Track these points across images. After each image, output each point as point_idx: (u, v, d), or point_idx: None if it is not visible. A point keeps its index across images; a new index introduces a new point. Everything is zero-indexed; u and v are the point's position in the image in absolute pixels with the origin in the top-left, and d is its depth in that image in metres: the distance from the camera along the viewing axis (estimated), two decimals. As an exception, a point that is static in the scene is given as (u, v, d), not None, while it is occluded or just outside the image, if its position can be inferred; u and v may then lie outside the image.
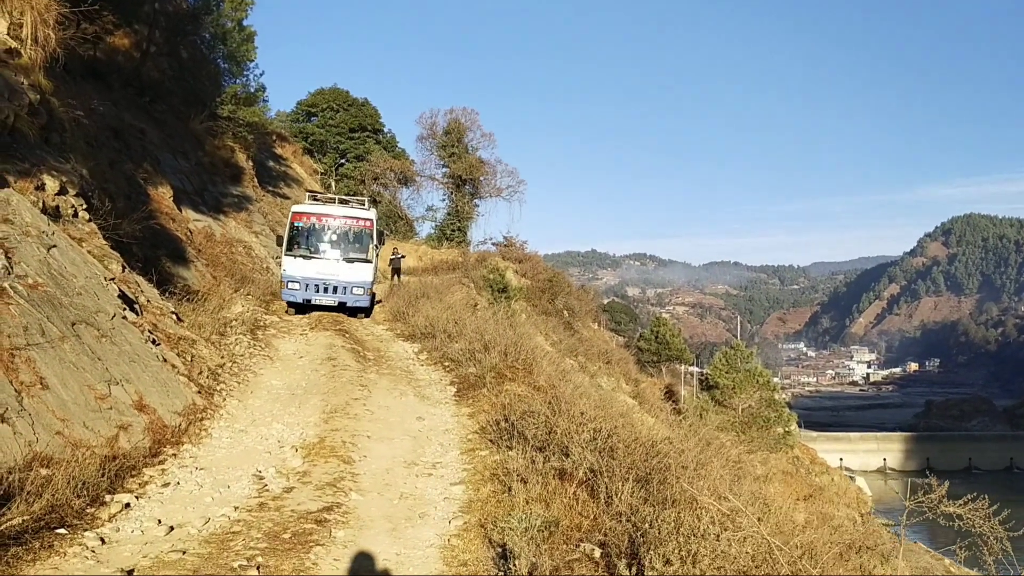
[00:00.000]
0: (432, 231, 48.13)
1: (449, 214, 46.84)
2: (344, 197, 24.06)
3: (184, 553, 5.84)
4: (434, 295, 22.90)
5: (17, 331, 8.31)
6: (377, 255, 20.42)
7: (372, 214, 20.76)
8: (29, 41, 12.15)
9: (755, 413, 37.34)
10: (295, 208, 20.27)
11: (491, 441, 9.30)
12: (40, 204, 10.84)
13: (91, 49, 23.20)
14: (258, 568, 5.57)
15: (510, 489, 7.49)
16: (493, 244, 44.99)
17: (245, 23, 32.96)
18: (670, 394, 42.10)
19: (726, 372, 39.30)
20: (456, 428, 10.32)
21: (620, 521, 6.68)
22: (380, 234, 22.33)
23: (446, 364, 14.11)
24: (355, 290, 19.14)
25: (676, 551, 5.56)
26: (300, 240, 19.37)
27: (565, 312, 40.84)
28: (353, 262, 19.20)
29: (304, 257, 18.97)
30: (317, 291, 18.78)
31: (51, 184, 11.52)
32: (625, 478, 7.23)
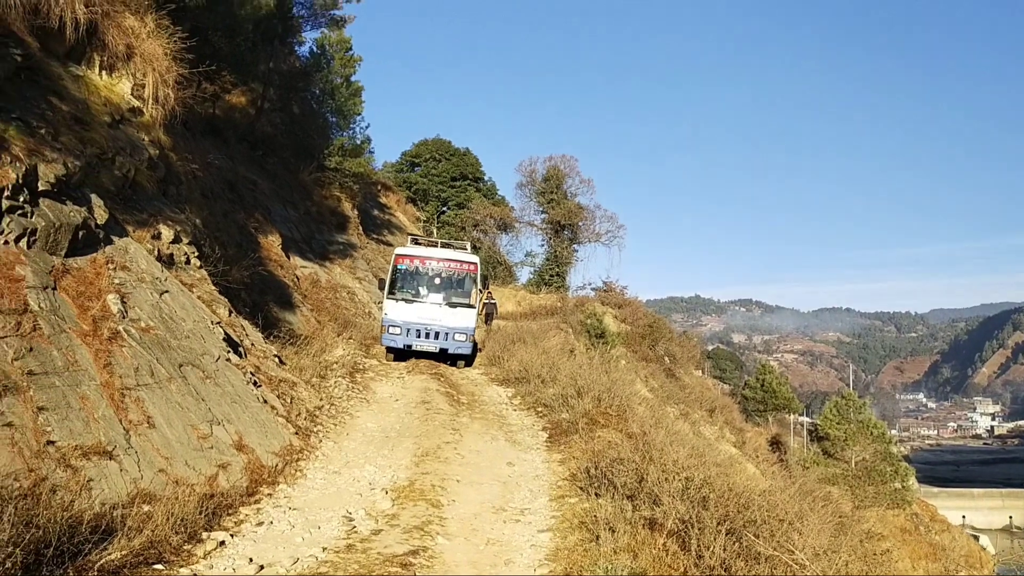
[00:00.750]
0: (531, 276, 48.43)
1: (548, 259, 47.06)
2: (447, 241, 23.93)
3: (270, 592, 5.96)
4: (530, 340, 22.95)
5: (128, 372, 8.77)
6: (480, 300, 19.97)
7: (476, 258, 20.33)
8: (150, 100, 13.00)
9: (869, 467, 35.56)
10: (398, 251, 19.90)
11: (581, 488, 9.17)
12: (155, 252, 11.47)
13: (210, 107, 24.64)
14: (340, 609, 5.63)
15: (598, 538, 7.35)
16: (592, 289, 44.87)
17: (353, 79, 34.37)
18: (777, 445, 40.61)
19: (837, 423, 37.70)
20: (546, 474, 10.24)
21: (711, 575, 6.45)
22: (484, 279, 21.79)
23: (539, 409, 14.06)
24: (457, 336, 18.60)
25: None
26: (402, 283, 19.04)
27: (666, 358, 40.20)
28: (456, 307, 18.68)
29: (406, 301, 18.65)
30: (418, 336, 18.36)
31: (166, 233, 12.20)
32: (717, 530, 6.99)
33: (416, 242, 21.32)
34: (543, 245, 48.50)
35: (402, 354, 18.76)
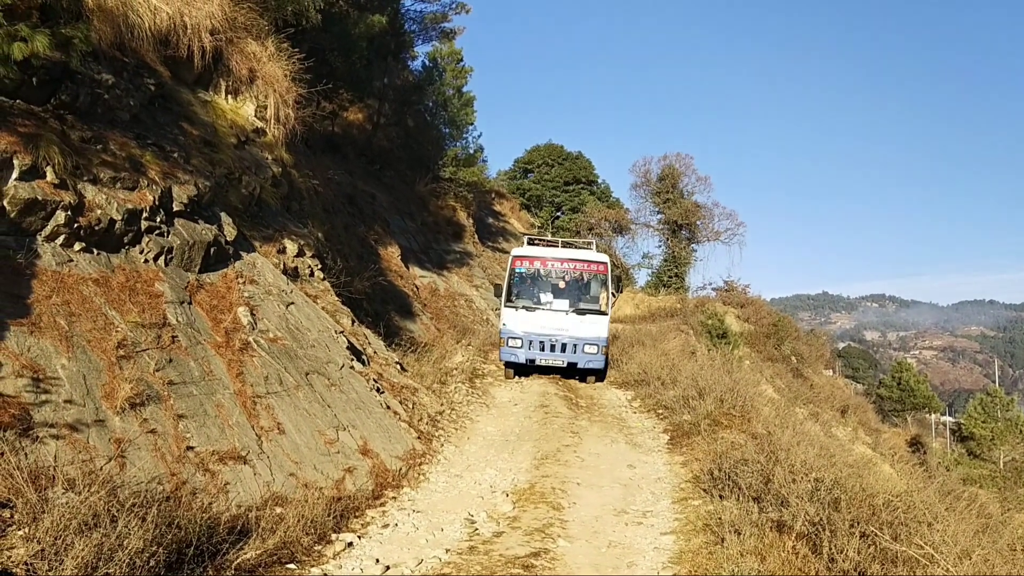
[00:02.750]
0: (649, 278, 47.78)
1: (665, 260, 46.28)
2: (568, 240, 21.59)
3: (396, 592, 6.08)
4: (649, 342, 22.64)
5: (259, 380, 9.17)
6: (612, 306, 17.57)
7: (605, 257, 18.01)
8: (272, 121, 13.60)
9: (1019, 467, 33.26)
10: (516, 252, 17.71)
11: (704, 491, 8.95)
12: (281, 265, 11.96)
13: (329, 125, 25.62)
14: (463, 610, 5.68)
15: (723, 540, 7.15)
16: (713, 289, 43.83)
17: (464, 89, 34.99)
18: (916, 445, 38.54)
19: (983, 422, 35.48)
20: (668, 476, 10.05)
21: (845, 580, 6.16)
22: (617, 280, 19.98)
23: (659, 411, 13.84)
24: (587, 348, 16.44)
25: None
26: (522, 289, 17.09)
27: (793, 358, 38.82)
28: (585, 314, 16.59)
29: (527, 309, 16.65)
30: (542, 349, 16.34)
31: (291, 247, 12.71)
32: (851, 533, 6.67)
33: (532, 243, 19.05)
34: (660, 246, 47.71)
35: (524, 370, 17.16)
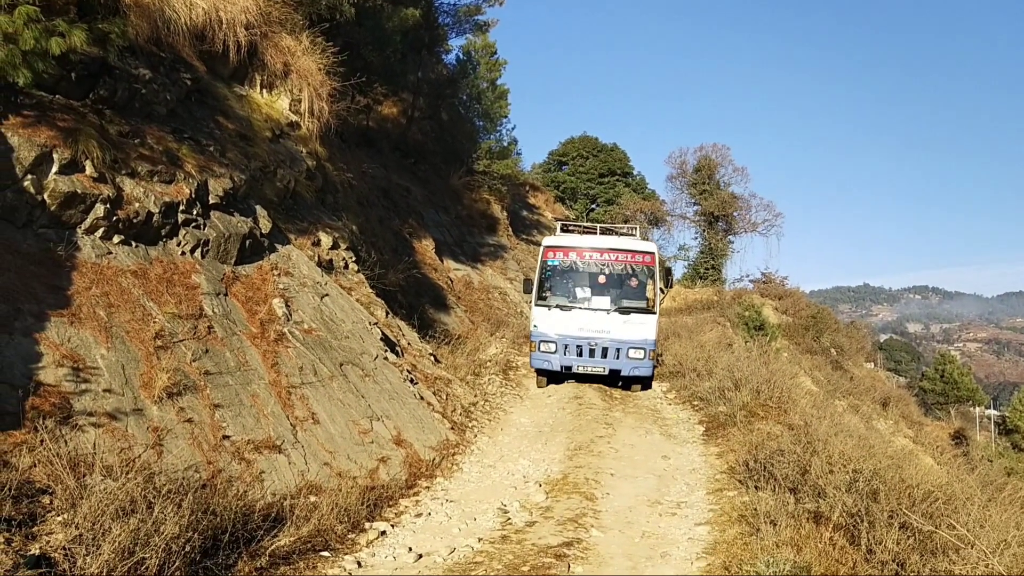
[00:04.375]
0: (685, 270, 47.41)
1: (702, 252, 45.88)
2: (608, 226, 18.95)
3: (428, 579, 6.10)
4: (684, 335, 22.48)
5: (294, 371, 9.26)
6: (661, 303, 15.03)
7: (653, 246, 15.72)
8: (306, 114, 13.71)
9: (1067, 461, 32.43)
10: (547, 241, 15.60)
11: (740, 482, 8.86)
12: (316, 258, 12.06)
13: (364, 120, 25.72)
14: (495, 598, 5.68)
15: (758, 531, 7.06)
16: (750, 281, 43.41)
17: (498, 82, 34.91)
18: (959, 439, 37.81)
19: (1028, 415, 34.62)
20: (703, 467, 9.96)
21: (884, 569, 6.06)
22: (668, 273, 16.47)
23: (694, 403, 13.73)
24: (632, 352, 14.30)
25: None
26: (555, 284, 14.96)
27: (832, 350, 38.30)
28: (629, 313, 14.41)
29: (561, 308, 14.58)
30: (579, 354, 14.33)
31: (325, 240, 12.80)
32: (889, 523, 6.55)
33: (567, 229, 16.70)
34: (696, 238, 47.29)
35: (558, 377, 15.25)
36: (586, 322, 14.45)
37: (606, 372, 14.40)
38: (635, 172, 53.28)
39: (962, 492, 7.10)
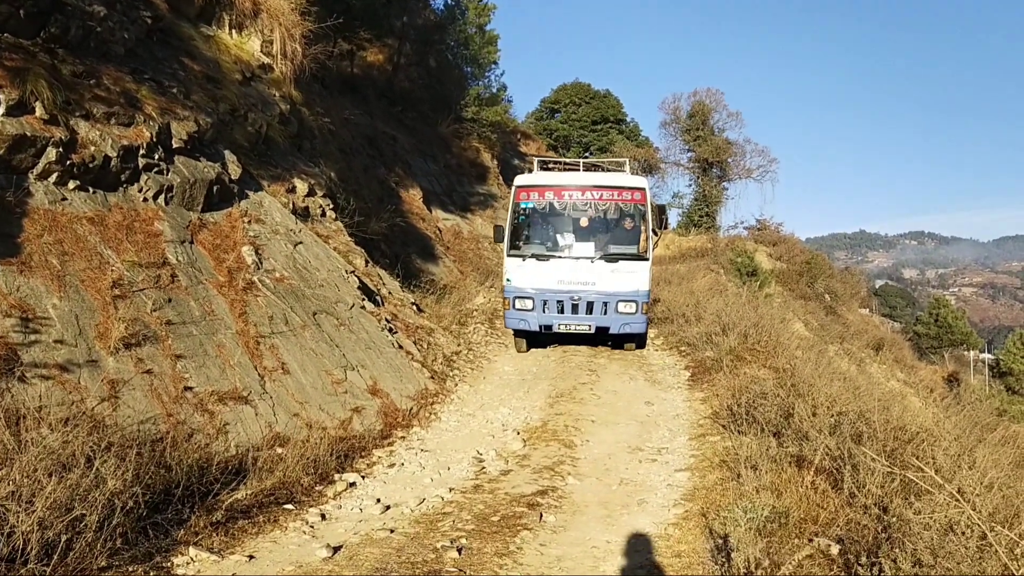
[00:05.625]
0: (679, 218, 46.97)
1: (696, 200, 45.38)
2: (594, 162, 16.67)
3: (392, 532, 5.86)
4: (676, 281, 22.19)
5: (263, 320, 8.94)
6: (654, 247, 12.97)
7: (643, 181, 13.38)
8: (279, 56, 13.20)
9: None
10: (519, 180, 13.28)
11: (723, 427, 8.62)
12: (290, 205, 11.67)
13: (348, 66, 25.10)
14: (459, 550, 5.44)
15: (739, 477, 6.83)
16: (745, 228, 42.96)
17: (488, 27, 34.11)
18: (952, 382, 37.81)
19: (1021, 356, 34.57)
20: (687, 413, 9.73)
21: (866, 514, 5.82)
22: (661, 212, 13.73)
23: (682, 349, 13.47)
24: (622, 306, 12.33)
25: (930, 550, 4.68)
26: (530, 231, 12.93)
27: (827, 296, 38.10)
28: (616, 260, 12.34)
29: (538, 258, 12.54)
30: (560, 311, 12.38)
31: (301, 187, 12.40)
32: (871, 468, 6.31)
33: (546, 167, 14.62)
34: (691, 185, 46.75)
35: (539, 339, 13.58)
36: (567, 273, 12.44)
37: (592, 330, 12.49)
38: (628, 119, 52.55)
39: (946, 432, 6.85)
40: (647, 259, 12.52)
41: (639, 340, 13.57)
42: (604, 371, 11.93)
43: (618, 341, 13.35)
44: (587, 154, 49.86)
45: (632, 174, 14.23)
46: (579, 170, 14.30)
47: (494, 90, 34.27)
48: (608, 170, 14.68)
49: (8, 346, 6.41)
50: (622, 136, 49.85)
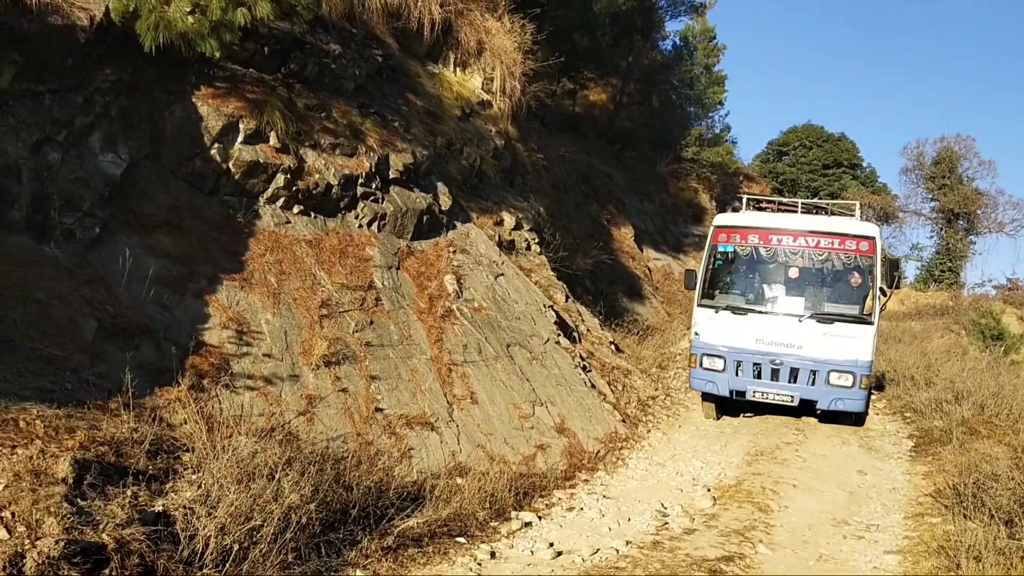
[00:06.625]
0: (917, 271, 43.29)
1: (938, 252, 41.69)
2: (815, 202, 14.66)
3: (559, 581, 5.62)
4: (907, 340, 20.34)
5: (457, 348, 9.07)
6: (882, 309, 10.87)
7: (874, 229, 11.22)
8: (498, 93, 13.55)
9: None
10: (719, 220, 11.79)
11: (945, 507, 7.60)
12: (496, 237, 11.86)
13: (570, 104, 25.52)
14: (626, 611, 5.09)
15: (958, 567, 5.96)
16: (993, 287, 38.75)
17: (716, 68, 33.44)
18: None
19: None
20: (905, 488, 8.70)
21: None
22: (894, 266, 11.44)
23: (906, 415, 12.19)
24: (834, 377, 10.29)
25: None
26: (727, 279, 11.44)
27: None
28: (832, 322, 10.41)
29: (734, 311, 10.85)
30: (757, 376, 10.59)
31: (508, 220, 12.58)
32: None
33: (758, 206, 12.84)
34: (932, 237, 43.07)
35: (731, 407, 11.64)
36: (768, 332, 10.64)
37: (795, 402, 10.52)
38: (864, 164, 49.34)
39: None
40: (871, 323, 10.34)
41: (857, 418, 11.42)
42: (813, 431, 11.02)
43: (826, 417, 11.46)
44: (815, 199, 47.41)
45: (859, 219, 12.26)
46: (797, 210, 12.45)
47: (717, 130, 33.45)
48: (833, 214, 12.63)
49: (222, 356, 6.89)
50: (856, 181, 46.87)
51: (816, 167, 47.36)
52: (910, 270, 43.53)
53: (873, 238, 10.77)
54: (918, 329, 26.16)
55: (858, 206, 12.99)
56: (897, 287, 12.16)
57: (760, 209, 12.60)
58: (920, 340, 21.73)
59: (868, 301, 10.48)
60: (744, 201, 12.75)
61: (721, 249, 11.28)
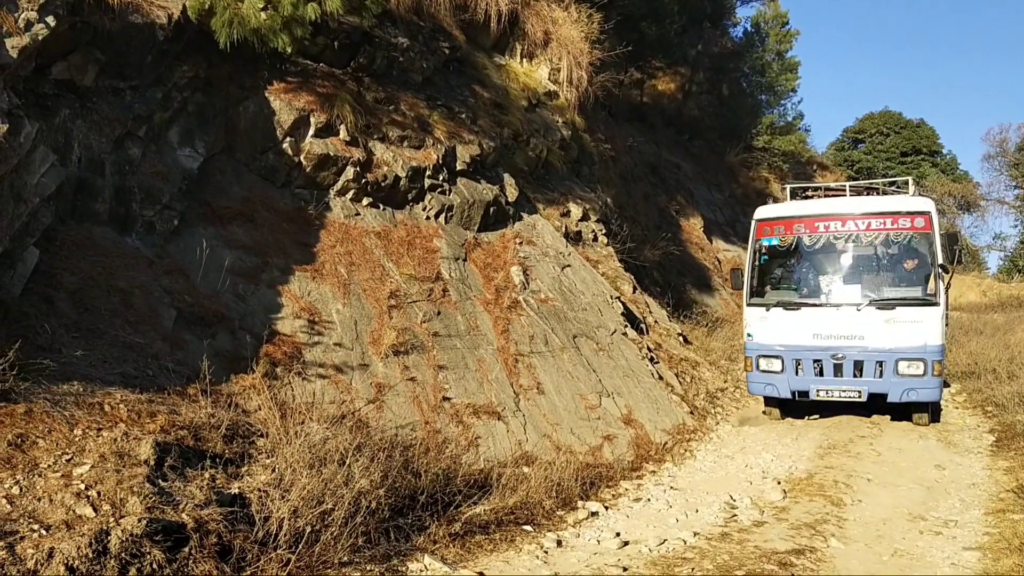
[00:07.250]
0: (1000, 262, 41.70)
1: (1022, 242, 40.10)
2: (863, 183, 13.94)
3: (625, 570, 5.59)
4: (989, 332, 19.60)
5: (524, 339, 9.11)
6: (948, 288, 10.12)
7: (929, 204, 10.51)
8: (565, 83, 13.52)
9: None
10: (759, 213, 11.29)
11: (1029, 505, 7.33)
12: (563, 229, 11.85)
13: (638, 94, 25.28)
14: (693, 602, 5.06)
15: (1043, 569, 5.75)
16: (1084, 278, 37.20)
17: (788, 54, 32.71)
18: None
19: None
20: (985, 483, 8.40)
21: None
22: (952, 240, 10.11)
23: (987, 409, 11.76)
24: (903, 366, 9.71)
25: None
26: (777, 275, 10.90)
27: None
28: (893, 307, 9.83)
29: (786, 307, 10.33)
30: (819, 373, 10.08)
31: (575, 211, 12.56)
32: None
33: (804, 194, 12.19)
34: (1017, 226, 41.42)
35: (795, 409, 11.01)
36: (825, 325, 10.07)
37: (863, 397, 9.91)
38: (944, 151, 47.67)
39: None
40: (937, 303, 9.71)
41: (931, 410, 10.60)
42: (888, 424, 10.73)
43: (901, 411, 10.62)
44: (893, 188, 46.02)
45: (914, 195, 11.53)
46: (845, 192, 11.80)
47: (790, 118, 32.76)
48: (884, 193, 11.92)
49: (295, 345, 7.07)
50: (936, 169, 45.33)
51: (894, 155, 45.94)
52: (992, 260, 42.02)
53: (928, 213, 10.12)
54: (1001, 321, 25.12)
55: (911, 181, 12.38)
56: (960, 262, 11.56)
57: (807, 197, 12.03)
58: (1003, 332, 20.82)
59: (931, 281, 9.88)
60: (788, 191, 12.29)
61: (765, 243, 10.87)
